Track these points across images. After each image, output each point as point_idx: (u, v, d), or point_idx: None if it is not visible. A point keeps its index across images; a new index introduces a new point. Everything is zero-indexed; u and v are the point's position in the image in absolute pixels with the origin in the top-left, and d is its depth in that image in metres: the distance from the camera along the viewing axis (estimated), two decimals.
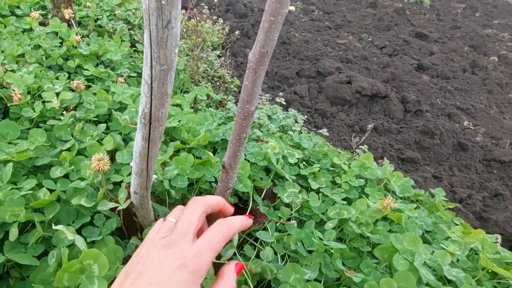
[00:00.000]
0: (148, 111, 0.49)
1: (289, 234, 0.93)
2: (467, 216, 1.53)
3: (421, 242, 0.85)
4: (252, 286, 0.79)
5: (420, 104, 2.16)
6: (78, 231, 0.85)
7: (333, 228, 0.91)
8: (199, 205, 0.47)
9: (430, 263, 0.91)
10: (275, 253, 0.88)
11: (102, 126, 1.08)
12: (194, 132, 1.21)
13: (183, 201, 1.06)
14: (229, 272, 0.44)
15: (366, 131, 1.76)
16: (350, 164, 1.28)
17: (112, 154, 1.05)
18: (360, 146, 1.53)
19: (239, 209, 1.08)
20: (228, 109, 1.71)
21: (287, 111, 1.77)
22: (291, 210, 1.07)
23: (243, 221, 0.48)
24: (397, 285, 0.74)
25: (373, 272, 0.81)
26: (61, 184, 0.85)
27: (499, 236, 1.36)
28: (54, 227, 0.66)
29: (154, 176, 0.74)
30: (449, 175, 1.78)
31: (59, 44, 1.51)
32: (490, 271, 1.10)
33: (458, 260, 1.04)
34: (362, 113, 2.05)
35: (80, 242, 0.68)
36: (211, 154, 0.97)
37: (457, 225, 1.27)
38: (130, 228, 0.90)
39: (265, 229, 0.98)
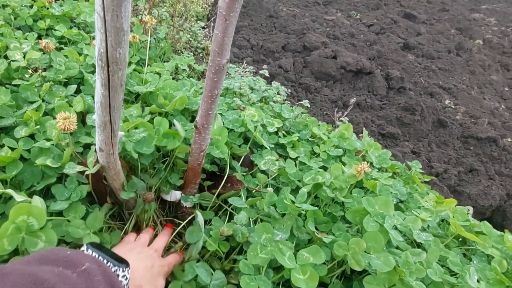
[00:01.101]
0: (104, 50, 0.46)
1: (262, 198, 0.92)
2: (441, 189, 1.57)
3: (392, 206, 0.87)
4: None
5: (404, 82, 2.17)
6: (46, 192, 0.83)
7: (308, 193, 0.91)
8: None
9: (401, 228, 0.92)
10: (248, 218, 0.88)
11: (72, 87, 1.03)
12: (171, 98, 1.18)
13: (154, 167, 1.02)
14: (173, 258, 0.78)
15: (349, 106, 1.75)
16: (329, 135, 1.28)
17: (82, 116, 1.01)
18: (341, 119, 1.53)
19: (216, 177, 1.06)
20: None
21: (271, 84, 1.75)
22: (268, 177, 1.07)
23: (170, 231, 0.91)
24: (366, 244, 0.75)
25: (344, 234, 0.82)
26: (24, 143, 0.81)
27: (471, 208, 1.41)
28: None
29: (121, 133, 0.71)
30: (427, 151, 1.81)
31: (30, 4, 1.42)
32: (460, 239, 1.13)
33: (428, 226, 1.07)
34: (346, 89, 2.05)
35: (39, 205, 0.64)
36: (178, 126, 0.91)
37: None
38: (100, 193, 0.87)
39: (240, 196, 0.97)
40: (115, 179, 0.83)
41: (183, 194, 1.02)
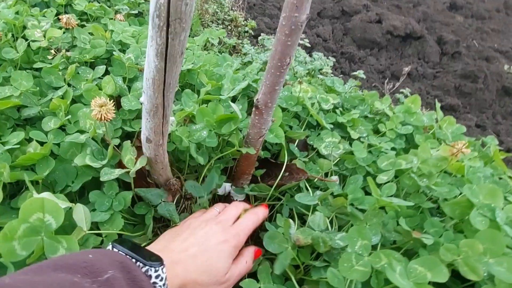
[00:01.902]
0: (164, 1, 0.30)
1: (332, 193, 0.77)
2: None
3: (502, 195, 0.69)
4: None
5: (459, 46, 1.90)
6: (81, 194, 0.71)
7: (390, 181, 0.75)
8: (239, 206, 0.65)
9: (506, 221, 0.75)
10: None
11: (101, 68, 0.90)
12: (212, 76, 1.02)
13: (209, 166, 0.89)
14: (249, 252, 0.59)
15: (402, 75, 1.54)
16: (394, 109, 1.10)
17: (114, 101, 0.87)
18: (401, 90, 1.33)
19: (271, 165, 0.92)
20: (244, 54, 1.50)
21: (311, 56, 1.55)
22: (331, 162, 0.91)
23: (265, 213, 0.65)
24: (482, 247, 0.59)
25: (445, 233, 0.66)
26: (55, 136, 0.68)
27: None
28: (35, 195, 0.50)
29: (172, 118, 0.57)
30: (493, 123, 1.59)
31: None
32: None
33: None
34: (393, 56, 1.81)
35: (81, 215, 0.51)
36: (235, 108, 0.75)
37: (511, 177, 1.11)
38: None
39: (299, 189, 0.82)
40: (161, 174, 0.69)
41: (233, 187, 0.89)
